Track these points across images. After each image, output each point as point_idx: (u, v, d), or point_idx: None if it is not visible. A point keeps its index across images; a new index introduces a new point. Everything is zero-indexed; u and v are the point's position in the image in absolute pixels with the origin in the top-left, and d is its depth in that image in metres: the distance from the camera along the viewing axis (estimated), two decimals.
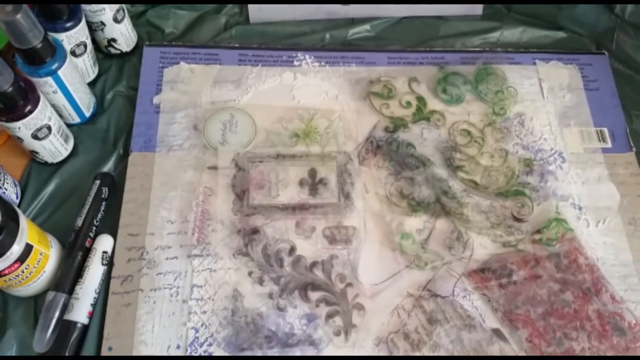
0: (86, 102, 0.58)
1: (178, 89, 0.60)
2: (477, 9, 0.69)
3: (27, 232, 0.45)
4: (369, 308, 0.51)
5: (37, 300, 0.50)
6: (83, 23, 0.56)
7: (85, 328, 0.48)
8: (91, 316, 0.49)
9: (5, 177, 0.52)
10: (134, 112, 0.59)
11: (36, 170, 0.56)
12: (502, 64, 0.64)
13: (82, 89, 0.56)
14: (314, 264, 0.52)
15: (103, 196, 0.54)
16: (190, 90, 0.60)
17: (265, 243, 0.52)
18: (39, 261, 0.47)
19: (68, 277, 0.49)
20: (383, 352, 0.49)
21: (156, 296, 0.50)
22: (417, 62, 0.64)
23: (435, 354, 0.49)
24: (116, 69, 0.63)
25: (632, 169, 0.59)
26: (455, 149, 0.58)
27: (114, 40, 0.61)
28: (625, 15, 0.66)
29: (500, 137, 0.60)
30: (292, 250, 0.52)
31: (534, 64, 0.65)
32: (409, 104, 0.61)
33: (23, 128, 0.50)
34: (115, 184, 0.55)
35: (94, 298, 0.49)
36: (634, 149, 0.61)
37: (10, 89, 0.47)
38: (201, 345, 0.48)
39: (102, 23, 0.58)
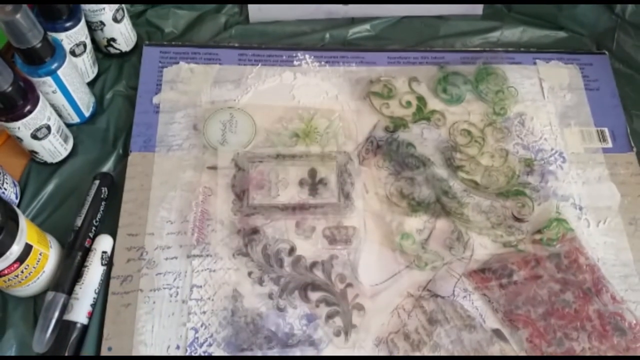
0: (86, 102, 0.57)
1: (178, 89, 0.60)
2: (478, 8, 0.69)
3: (27, 232, 0.45)
4: (369, 308, 0.50)
5: (36, 300, 0.50)
6: (82, 23, 0.56)
7: (85, 328, 0.48)
8: (91, 316, 0.49)
9: (5, 177, 0.52)
10: (133, 112, 0.59)
11: (36, 170, 0.56)
12: (502, 64, 0.64)
13: (82, 88, 0.56)
14: (314, 264, 0.52)
15: (102, 196, 0.54)
16: (190, 90, 0.60)
17: (265, 243, 0.52)
18: (38, 261, 0.47)
19: (67, 277, 0.49)
20: (383, 353, 0.49)
21: (156, 296, 0.50)
22: (417, 61, 0.64)
23: (436, 354, 0.49)
24: (116, 69, 0.62)
25: (633, 168, 0.59)
26: (455, 149, 0.58)
27: (113, 40, 0.61)
28: (626, 15, 0.66)
29: (500, 137, 0.60)
30: (292, 250, 0.52)
31: (535, 63, 0.65)
32: (409, 103, 0.61)
33: (22, 128, 0.50)
34: (114, 184, 0.55)
35: (94, 298, 0.49)
36: (634, 149, 0.60)
37: (10, 88, 0.47)
38: (201, 345, 0.48)
39: (102, 23, 0.58)
